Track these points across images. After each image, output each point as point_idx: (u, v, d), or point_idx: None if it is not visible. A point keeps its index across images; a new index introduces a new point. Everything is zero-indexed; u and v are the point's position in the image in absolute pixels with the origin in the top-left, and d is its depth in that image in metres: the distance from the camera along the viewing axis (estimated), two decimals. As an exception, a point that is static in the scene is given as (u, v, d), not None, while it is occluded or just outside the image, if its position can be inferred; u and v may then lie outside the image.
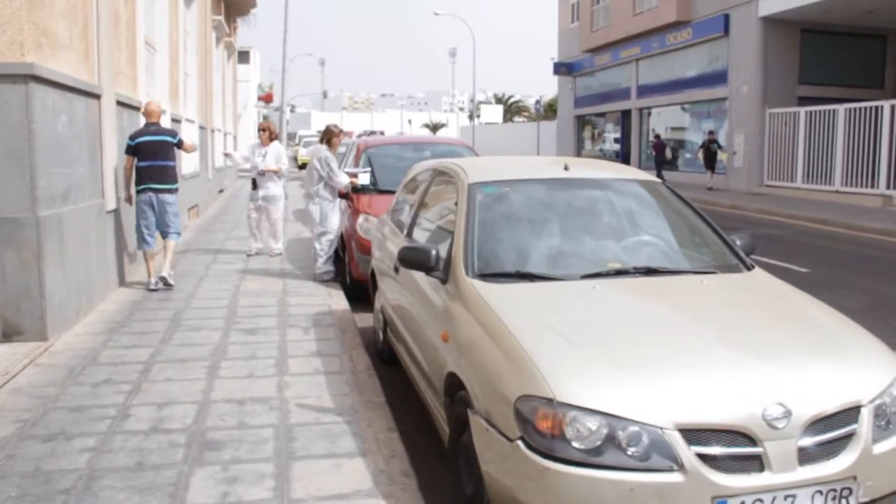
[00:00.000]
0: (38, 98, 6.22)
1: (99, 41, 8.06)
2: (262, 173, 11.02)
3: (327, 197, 9.68)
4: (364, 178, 9.85)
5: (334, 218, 9.74)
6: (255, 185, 11.12)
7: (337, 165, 9.65)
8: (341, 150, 15.27)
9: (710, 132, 26.20)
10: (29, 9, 6.11)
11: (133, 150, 8.72)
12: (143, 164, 8.69)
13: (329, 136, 9.84)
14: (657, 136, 30.30)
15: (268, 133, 11.29)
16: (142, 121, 9.54)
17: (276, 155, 11.15)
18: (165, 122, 10.86)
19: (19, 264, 6.23)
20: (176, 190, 9.04)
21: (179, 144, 9.17)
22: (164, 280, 8.79)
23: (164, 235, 8.99)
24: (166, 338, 6.73)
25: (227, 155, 14.36)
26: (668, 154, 29.98)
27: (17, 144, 6.12)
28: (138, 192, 8.79)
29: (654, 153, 29.56)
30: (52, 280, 6.49)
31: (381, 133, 62.31)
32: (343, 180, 9.54)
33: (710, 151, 25.57)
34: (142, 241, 8.86)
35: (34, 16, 6.22)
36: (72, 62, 7.23)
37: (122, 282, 8.95)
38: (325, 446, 4.44)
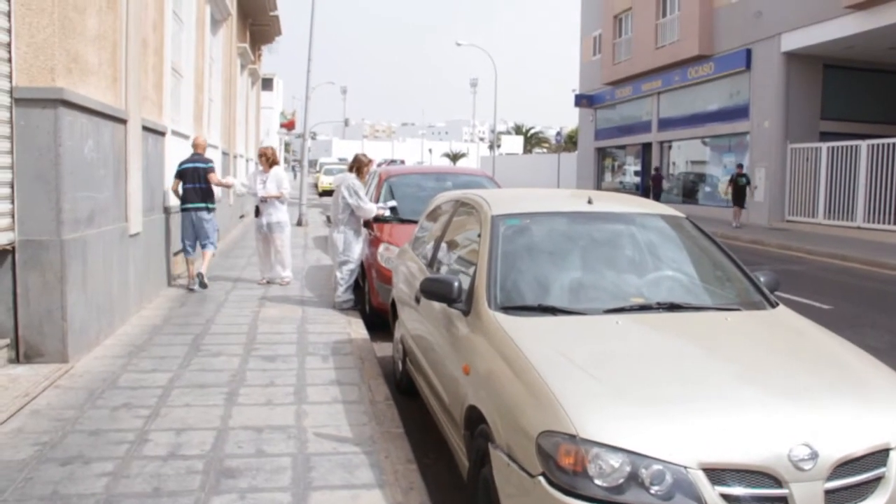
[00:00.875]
0: (66, 122, 6.30)
1: (127, 67, 8.17)
2: (264, 200, 10.85)
3: (353, 226, 9.70)
4: (387, 212, 9.90)
5: (357, 248, 9.74)
6: (258, 213, 10.96)
7: (365, 194, 9.70)
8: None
9: (739, 165, 25.27)
10: (61, 35, 6.21)
11: (179, 174, 10.53)
12: (186, 186, 10.49)
13: (359, 165, 9.83)
14: (657, 169, 32.47)
15: (266, 158, 11.05)
16: (167, 147, 10.86)
17: (277, 180, 10.96)
18: (190, 147, 10.93)
19: (42, 287, 6.28)
20: (211, 209, 10.76)
21: (209, 171, 10.64)
22: (200, 278, 10.47)
23: (203, 246, 10.74)
24: (185, 363, 6.74)
25: (224, 185, 11.37)
26: (679, 186, 30.09)
27: (45, 168, 6.19)
28: (182, 210, 10.60)
29: (652, 185, 31.37)
30: (74, 303, 6.53)
31: (402, 162, 62.59)
32: (371, 210, 9.57)
33: (738, 186, 24.44)
34: (184, 249, 10.71)
35: (66, 42, 6.32)
36: (100, 87, 7.32)
37: (143, 305, 8.99)
38: (342, 476, 4.41)
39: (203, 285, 10.40)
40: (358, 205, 9.53)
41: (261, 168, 11.11)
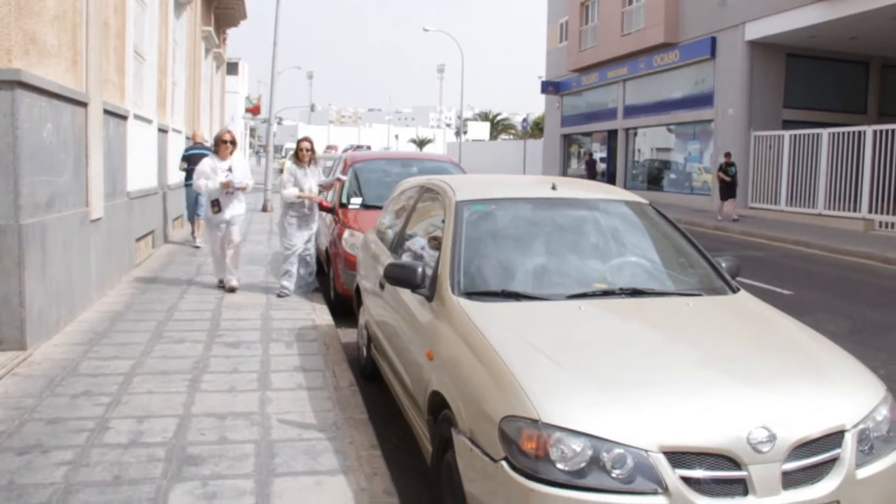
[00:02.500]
0: (24, 105, 6.17)
1: (87, 49, 8.02)
2: (231, 192, 9.34)
3: (294, 212, 9.47)
4: (355, 203, 9.82)
5: (298, 235, 9.46)
6: (216, 208, 9.37)
7: (292, 178, 9.45)
8: (328, 163, 15.32)
9: (727, 154, 23.02)
10: (17, 15, 6.07)
11: (186, 158, 14.11)
12: (190, 167, 13.01)
13: (296, 150, 9.73)
14: (590, 155, 36.76)
15: (233, 144, 9.64)
16: (129, 131, 10.21)
17: (244, 167, 9.72)
18: (153, 132, 11.07)
19: (0, 272, 6.16)
20: None
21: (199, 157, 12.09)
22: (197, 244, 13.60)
23: (197, 215, 13.69)
24: (148, 350, 6.67)
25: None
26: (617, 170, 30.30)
27: (1, 151, 6.06)
28: (185, 185, 14.04)
29: (586, 171, 35.40)
30: (33, 289, 6.42)
31: (368, 148, 62.29)
32: (287, 195, 9.37)
33: (728, 175, 22.28)
34: (189, 215, 14.37)
35: (22, 22, 6.18)
36: (59, 69, 7.18)
37: (105, 292, 8.88)
38: (306, 463, 4.39)
39: (196, 247, 13.47)
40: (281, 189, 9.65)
41: (217, 155, 9.50)
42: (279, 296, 9.25)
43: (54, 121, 6.95)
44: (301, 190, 9.35)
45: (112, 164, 9.37)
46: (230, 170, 9.35)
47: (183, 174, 14.37)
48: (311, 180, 9.44)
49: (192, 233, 14.10)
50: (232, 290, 9.43)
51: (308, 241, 9.61)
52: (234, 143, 9.65)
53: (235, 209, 9.52)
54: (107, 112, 8.90)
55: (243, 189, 9.47)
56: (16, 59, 6.05)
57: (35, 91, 6.41)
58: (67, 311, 7.42)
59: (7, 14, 5.98)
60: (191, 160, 13.19)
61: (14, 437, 4.63)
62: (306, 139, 9.75)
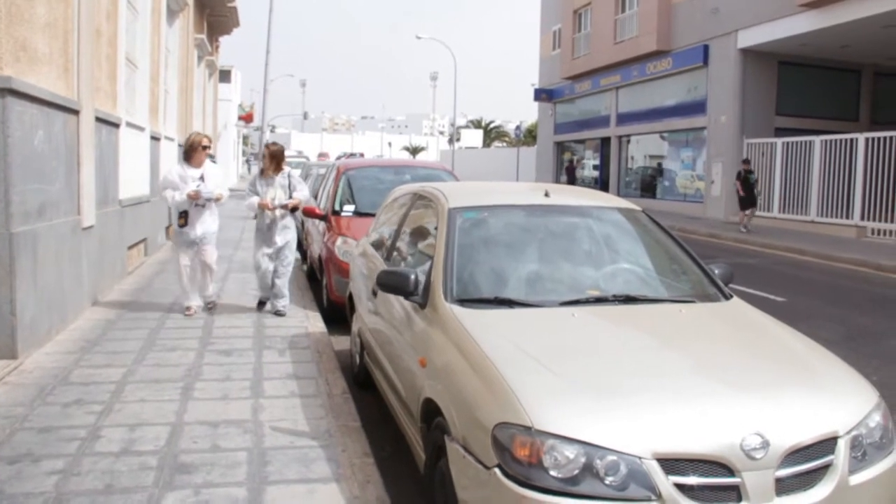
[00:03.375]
0: (14, 112, 6.15)
1: (79, 57, 8.01)
2: (203, 204, 8.29)
3: (259, 223, 8.73)
4: (348, 210, 9.77)
5: (258, 250, 8.66)
6: (184, 221, 8.26)
7: (252, 188, 8.68)
8: (321, 171, 15.31)
9: (746, 161, 21.87)
10: (7, 22, 6.05)
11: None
12: None
13: (262, 158, 8.90)
14: (570, 161, 38.37)
15: (202, 148, 8.40)
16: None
17: (216, 176, 8.56)
18: (145, 139, 11.02)
19: (-9, 280, 6.13)
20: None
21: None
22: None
23: None
24: (140, 358, 6.64)
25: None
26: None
27: (-7, 159, 6.04)
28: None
29: (567, 177, 37.06)
30: (24, 297, 6.39)
31: (361, 155, 62.35)
32: (248, 204, 8.65)
33: (748, 184, 20.99)
34: None
35: (13, 29, 6.16)
36: (51, 77, 7.17)
37: (97, 300, 8.84)
38: (299, 471, 4.38)
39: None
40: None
41: (186, 163, 8.38)
42: (258, 308, 8.81)
43: (46, 128, 6.93)
44: (262, 200, 8.49)
45: (104, 172, 9.35)
46: (202, 178, 8.26)
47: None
48: (276, 191, 8.50)
49: None
50: (211, 306, 8.67)
51: (278, 258, 8.60)
52: (198, 146, 8.39)
53: (207, 225, 8.38)
54: (98, 120, 8.88)
55: (216, 200, 8.36)
56: (6, 66, 6.03)
57: (26, 98, 6.39)
58: (59, 319, 7.39)
59: (-2, 21, 5.96)
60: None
61: (4, 447, 4.59)
62: (273, 144, 8.91)
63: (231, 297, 9.60)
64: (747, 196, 21.03)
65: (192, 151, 8.34)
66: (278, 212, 8.47)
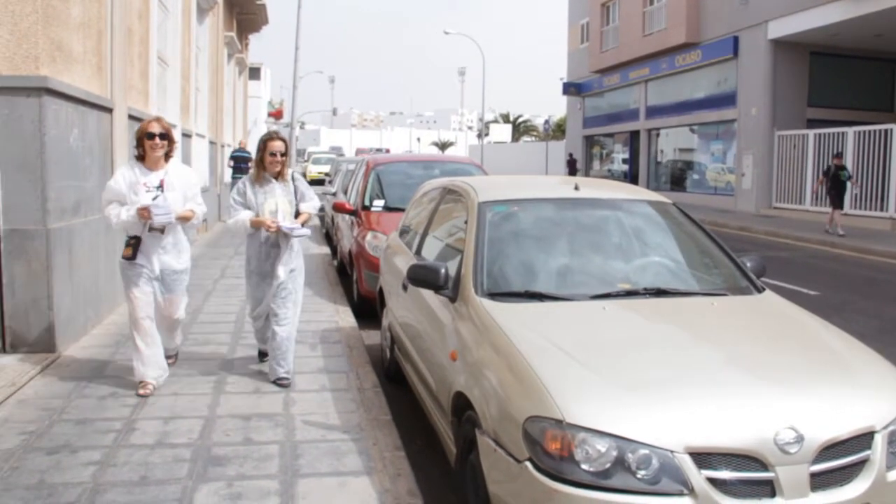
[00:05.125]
0: (51, 111, 6.25)
1: (112, 55, 8.11)
2: (160, 229, 5.60)
3: (247, 252, 6.18)
4: (378, 205, 9.63)
5: (256, 289, 6.14)
6: (134, 251, 5.57)
7: (241, 199, 5.96)
8: (350, 167, 15.38)
9: (837, 155, 19.51)
10: (44, 23, 6.15)
11: (234, 158, 20.37)
12: (238, 165, 19.52)
13: (258, 152, 6.03)
14: (570, 155, 38.61)
15: (163, 140, 5.60)
16: None
17: (185, 184, 5.80)
18: (177, 136, 11.10)
19: (28, 276, 6.24)
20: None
21: (251, 159, 14.08)
22: None
23: None
24: (173, 352, 6.71)
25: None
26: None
27: (30, 157, 6.14)
28: (233, 178, 19.24)
29: (568, 169, 37.30)
30: (61, 292, 6.50)
31: (387, 151, 62.51)
32: (231, 222, 5.97)
33: (839, 181, 18.74)
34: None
35: (49, 30, 6.26)
36: (85, 76, 7.26)
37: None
38: (330, 464, 4.41)
39: None
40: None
41: (139, 164, 5.65)
42: (259, 360, 6.46)
43: (80, 126, 7.03)
44: (257, 215, 5.88)
45: (137, 169, 9.44)
46: (160, 188, 5.58)
47: (230, 171, 20.50)
48: (279, 201, 5.93)
49: None
50: (172, 360, 6.19)
51: (279, 297, 5.97)
52: (168, 139, 5.64)
53: (170, 259, 5.73)
54: (131, 117, 8.98)
55: (185, 220, 5.74)
56: (43, 66, 6.13)
57: (61, 97, 6.49)
58: (95, 313, 7.50)
59: (34, 22, 6.06)
60: (235, 161, 20.06)
61: (44, 438, 4.68)
62: (276, 136, 6.08)
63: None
64: (838, 194, 18.67)
65: (142, 145, 5.58)
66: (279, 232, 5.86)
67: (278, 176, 5.96)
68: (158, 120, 5.67)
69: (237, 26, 23.70)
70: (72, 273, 6.77)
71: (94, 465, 4.30)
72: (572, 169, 37.64)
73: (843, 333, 4.10)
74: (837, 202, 18.70)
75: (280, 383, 5.86)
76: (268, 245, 5.96)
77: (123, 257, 5.58)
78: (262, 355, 6.40)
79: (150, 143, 5.53)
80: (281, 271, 5.94)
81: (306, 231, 6.05)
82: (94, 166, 7.50)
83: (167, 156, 5.70)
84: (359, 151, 54.81)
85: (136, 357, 5.65)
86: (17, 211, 6.19)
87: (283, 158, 5.97)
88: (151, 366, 5.65)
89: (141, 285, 5.60)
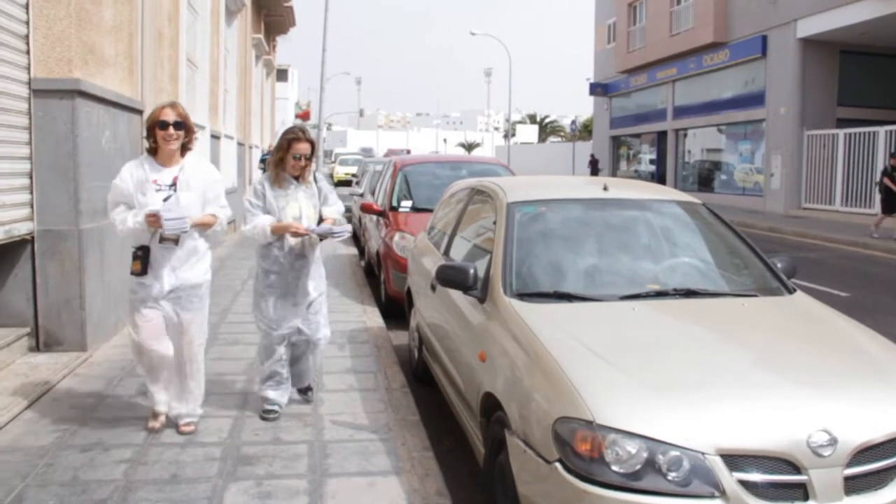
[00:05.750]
0: (83, 113, 6.33)
1: (143, 58, 8.20)
2: (174, 239, 4.70)
3: (262, 264, 5.30)
4: (405, 206, 9.55)
5: (276, 308, 5.25)
6: (143, 266, 4.70)
7: (259, 202, 5.14)
8: (377, 167, 15.41)
9: (895, 154, 17.70)
10: (78, 27, 6.24)
11: (262, 161, 19.49)
12: (266, 167, 16.67)
13: (276, 150, 5.22)
14: (592, 155, 39.55)
15: (177, 129, 4.68)
16: None
17: (202, 185, 4.83)
18: (206, 138, 11.27)
19: (61, 276, 6.33)
20: None
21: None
22: None
23: None
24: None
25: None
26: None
27: (62, 158, 6.23)
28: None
29: (590, 169, 38.38)
30: (93, 292, 6.58)
31: (408, 152, 62.61)
32: (248, 229, 5.16)
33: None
34: None
35: (82, 33, 6.34)
36: (116, 78, 7.35)
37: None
38: (359, 464, 4.43)
39: None
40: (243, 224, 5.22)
41: (150, 159, 4.78)
42: (263, 418, 5.15)
43: (112, 128, 7.11)
44: (279, 221, 5.08)
45: (167, 170, 9.54)
46: (173, 186, 4.70)
47: (260, 173, 19.17)
48: (302, 205, 5.18)
49: None
50: (186, 428, 4.84)
51: (308, 319, 5.35)
52: (186, 128, 4.76)
53: (188, 269, 4.85)
54: (161, 119, 9.08)
55: (206, 227, 4.88)
56: (76, 68, 6.22)
57: (93, 99, 6.58)
58: (125, 313, 7.56)
59: (68, 26, 6.15)
60: (264, 164, 17.60)
61: (77, 436, 4.74)
62: (303, 137, 5.12)
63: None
64: (889, 198, 17.26)
65: (153, 135, 4.69)
66: (310, 238, 5.18)
67: (299, 177, 5.19)
68: (173, 106, 4.75)
69: (265, 28, 23.86)
70: (103, 273, 6.85)
71: (126, 463, 4.35)
72: (594, 169, 38.15)
73: (877, 335, 4.05)
74: (890, 205, 17.32)
75: (305, 396, 5.48)
76: (292, 256, 5.17)
77: (132, 273, 4.71)
78: (270, 411, 5.19)
79: (164, 134, 4.61)
80: (312, 287, 5.28)
81: (347, 227, 5.43)
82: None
83: (184, 149, 4.78)
84: (390, 153, 55.05)
85: (149, 387, 4.95)
86: (50, 211, 6.27)
87: (308, 163, 5.13)
88: (159, 397, 4.90)
89: (148, 309, 4.70)
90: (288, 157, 5.09)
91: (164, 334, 4.78)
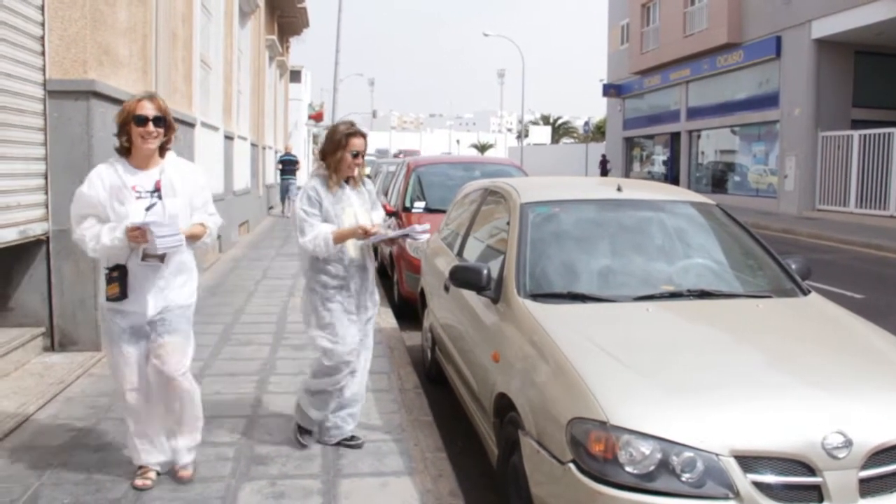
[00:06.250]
0: (98, 114, 6.37)
1: (157, 59, 8.24)
2: (160, 256, 3.92)
3: (320, 277, 4.57)
4: (419, 206, 9.20)
5: (344, 323, 4.59)
6: (122, 289, 3.87)
7: (316, 208, 4.49)
8: (391, 168, 15.39)
9: None
10: (92, 28, 6.27)
11: (281, 162, 22.52)
12: (285, 168, 22.17)
13: (331, 146, 4.56)
14: (603, 155, 40.10)
15: (157, 126, 3.94)
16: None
17: (188, 190, 4.11)
18: (219, 138, 11.22)
19: (76, 276, 6.36)
20: (296, 179, 22.15)
21: (297, 162, 22.41)
22: (286, 216, 19.55)
23: (289, 198, 21.53)
24: (216, 352, 6.80)
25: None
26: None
27: (77, 159, 6.27)
28: (281, 179, 22.42)
29: (600, 169, 38.86)
30: (107, 292, 6.60)
31: (405, 155, 62.46)
32: (307, 242, 4.41)
33: None
34: (282, 197, 22.47)
35: (97, 35, 6.38)
36: (130, 79, 7.39)
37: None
38: (372, 464, 4.43)
39: (286, 216, 20.93)
40: (298, 235, 4.50)
41: (123, 161, 4.01)
42: (301, 442, 4.69)
43: (126, 129, 7.14)
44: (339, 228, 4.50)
45: (181, 171, 9.57)
46: (156, 193, 3.96)
47: (278, 173, 23.00)
48: (357, 211, 4.62)
49: (283, 211, 22.28)
50: (185, 473, 4.17)
51: (364, 338, 4.83)
52: (167, 124, 4.03)
53: (176, 290, 4.04)
54: (175, 120, 9.10)
55: (194, 240, 4.08)
56: (90, 69, 6.25)
57: (108, 100, 6.61)
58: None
59: (83, 27, 6.19)
60: (283, 164, 22.31)
61: (91, 435, 4.77)
62: (359, 131, 4.61)
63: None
64: None
65: (127, 133, 3.94)
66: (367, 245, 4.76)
67: (349, 178, 4.64)
68: (152, 98, 3.98)
69: (278, 29, 23.93)
70: (118, 273, 6.87)
71: (141, 462, 4.36)
72: (604, 170, 38.38)
73: (892, 336, 4.02)
74: None
75: (353, 443, 4.69)
76: (353, 267, 4.62)
77: (108, 298, 3.87)
78: (305, 432, 4.74)
79: (142, 131, 3.85)
80: (371, 302, 4.83)
81: (427, 226, 4.81)
82: (139, 168, 7.61)
83: (162, 149, 4.04)
84: (402, 154, 55.08)
85: (129, 438, 4.16)
86: (64, 212, 6.25)
87: (364, 161, 4.69)
88: (144, 448, 4.12)
89: (127, 342, 3.91)
90: (346, 156, 4.51)
91: (143, 371, 3.99)
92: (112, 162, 3.98)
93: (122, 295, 3.84)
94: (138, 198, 3.87)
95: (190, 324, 4.13)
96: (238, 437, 4.81)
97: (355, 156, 4.53)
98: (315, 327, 4.58)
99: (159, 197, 3.92)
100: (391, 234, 4.76)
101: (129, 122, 3.88)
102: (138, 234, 3.69)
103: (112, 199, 3.84)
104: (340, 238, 4.44)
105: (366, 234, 4.46)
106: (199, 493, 4.01)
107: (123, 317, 3.91)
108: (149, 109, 3.90)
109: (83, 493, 3.96)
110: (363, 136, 4.61)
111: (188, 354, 4.10)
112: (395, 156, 43.13)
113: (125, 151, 3.97)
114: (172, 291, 3.99)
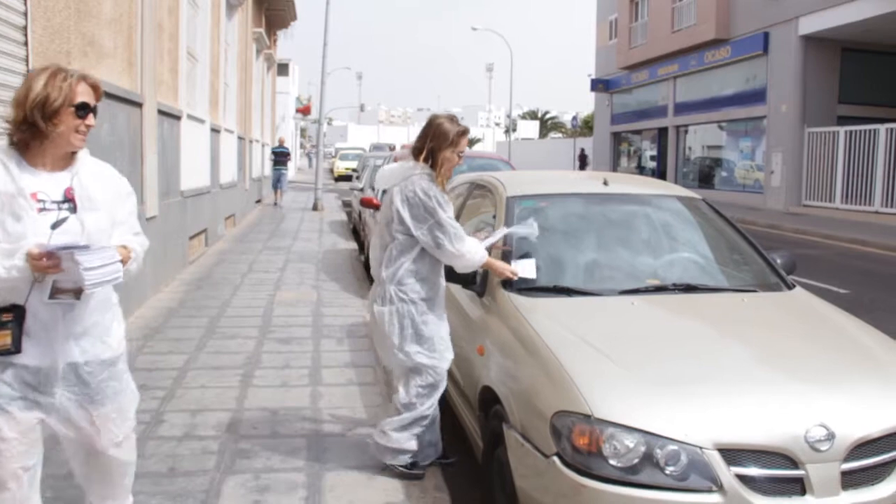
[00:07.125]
0: (82, 106, 6.30)
1: (142, 51, 8.18)
2: (74, 292, 2.68)
3: (415, 289, 4.16)
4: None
5: (443, 334, 4.25)
6: (16, 340, 2.63)
7: (451, 214, 4.20)
8: (377, 162, 15.35)
9: None
10: (77, 18, 6.21)
11: (273, 153, 23.62)
12: (278, 158, 23.20)
13: (437, 145, 4.17)
14: (582, 150, 42.04)
15: (76, 109, 2.68)
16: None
17: (108, 200, 2.90)
18: (206, 132, 11.17)
19: (59, 269, 6.29)
20: (287, 170, 23.58)
21: (287, 154, 23.71)
22: (276, 203, 22.45)
23: (280, 187, 23.29)
24: (201, 345, 6.78)
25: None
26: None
27: (61, 151, 6.20)
28: (274, 169, 23.37)
29: (579, 164, 40.68)
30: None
31: (392, 148, 62.15)
32: (469, 253, 4.10)
33: None
34: (273, 186, 23.40)
35: (81, 25, 6.32)
36: (115, 71, 7.33)
37: (159, 289, 9.03)
38: (357, 457, 4.43)
39: (277, 205, 22.59)
40: (437, 240, 4.09)
41: (16, 154, 2.68)
42: (413, 475, 4.24)
43: (110, 121, 7.09)
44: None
45: (166, 164, 9.53)
46: (67, 204, 2.74)
47: (270, 164, 24.17)
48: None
49: (275, 202, 23.11)
50: None
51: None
52: (85, 120, 2.75)
53: (94, 340, 2.91)
54: (161, 112, 9.06)
55: (120, 265, 2.72)
56: (74, 60, 6.19)
57: (93, 92, 6.55)
58: (124, 307, 7.55)
59: (67, 18, 6.12)
60: (276, 155, 23.29)
61: (73, 429, 4.72)
62: (467, 129, 4.31)
63: (291, 283, 9.71)
64: None
65: (32, 123, 2.66)
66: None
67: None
68: (94, 85, 2.83)
69: (266, 22, 23.83)
70: (102, 266, 6.82)
71: (124, 456, 4.33)
72: (583, 164, 39.68)
73: (875, 330, 4.04)
74: None
75: (449, 462, 4.48)
76: (436, 276, 4.30)
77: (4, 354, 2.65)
78: (414, 470, 4.26)
79: (78, 124, 2.74)
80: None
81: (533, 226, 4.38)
82: (124, 160, 7.56)
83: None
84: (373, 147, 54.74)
85: None
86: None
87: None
88: None
89: (22, 411, 2.73)
90: (454, 155, 4.16)
91: (33, 452, 2.83)
92: (3, 160, 2.67)
93: (17, 347, 2.66)
94: (41, 210, 2.67)
95: (123, 378, 3.04)
96: (223, 430, 4.80)
97: (461, 155, 4.24)
98: (412, 342, 4.11)
99: (72, 210, 2.74)
100: (492, 240, 4.37)
101: (61, 109, 2.66)
102: (50, 263, 2.54)
103: (2, 210, 2.61)
104: (489, 265, 4.21)
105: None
106: (182, 487, 3.99)
107: (16, 374, 2.69)
108: (89, 96, 2.77)
109: (65, 488, 3.90)
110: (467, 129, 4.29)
111: (130, 417, 3.04)
112: (391, 148, 42.97)
113: (21, 145, 2.70)
114: (90, 342, 2.86)
